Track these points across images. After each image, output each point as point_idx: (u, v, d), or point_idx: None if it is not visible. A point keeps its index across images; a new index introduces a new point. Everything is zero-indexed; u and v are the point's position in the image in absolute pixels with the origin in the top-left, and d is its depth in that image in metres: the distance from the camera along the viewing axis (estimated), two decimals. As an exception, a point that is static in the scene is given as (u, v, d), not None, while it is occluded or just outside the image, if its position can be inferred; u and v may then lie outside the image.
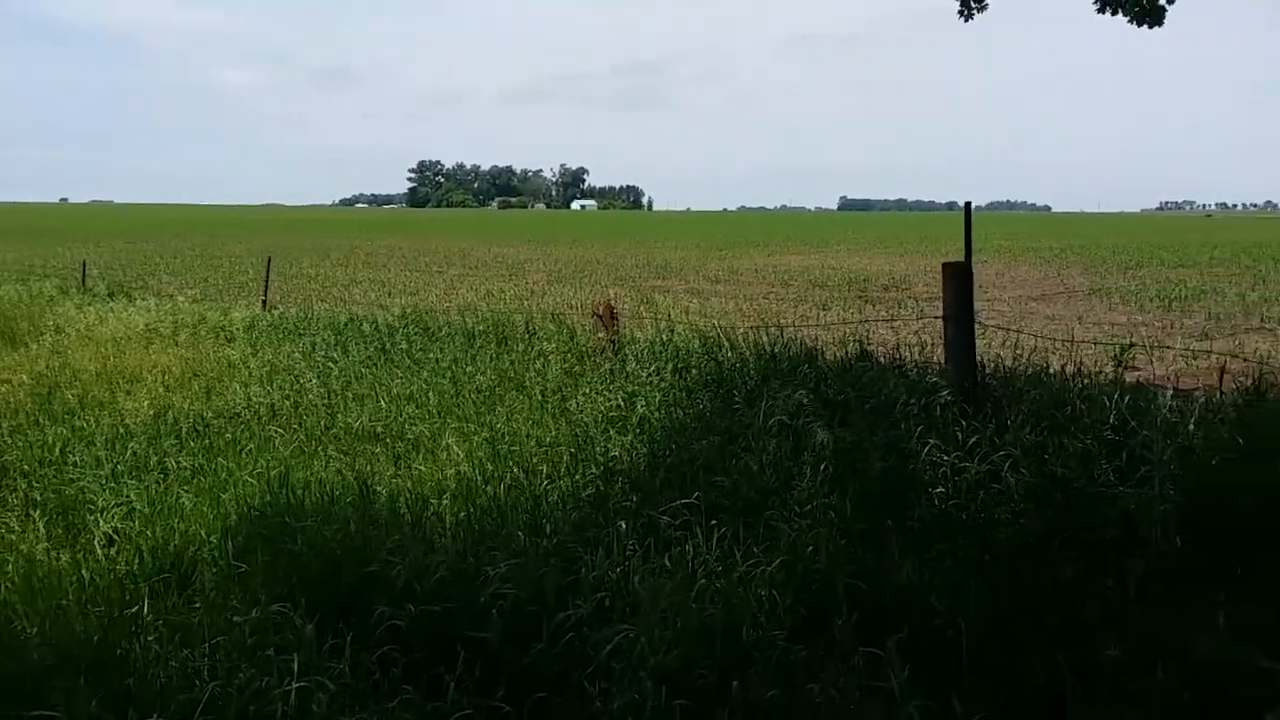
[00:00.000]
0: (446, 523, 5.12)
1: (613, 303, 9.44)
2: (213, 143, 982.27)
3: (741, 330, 9.05)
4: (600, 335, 9.01)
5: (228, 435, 7.23)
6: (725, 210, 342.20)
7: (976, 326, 6.64)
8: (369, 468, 6.30)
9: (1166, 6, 8.54)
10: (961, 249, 6.69)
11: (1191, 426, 5.73)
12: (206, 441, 7.11)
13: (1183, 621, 3.79)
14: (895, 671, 3.42)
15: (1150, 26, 8.65)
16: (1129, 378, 7.11)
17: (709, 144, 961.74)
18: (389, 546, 4.55)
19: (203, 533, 5.14)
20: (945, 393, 6.16)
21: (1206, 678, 3.43)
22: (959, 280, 6.20)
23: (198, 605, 4.31)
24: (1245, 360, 9.48)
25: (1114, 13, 8.67)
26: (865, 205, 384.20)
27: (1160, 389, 6.52)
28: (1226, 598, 3.96)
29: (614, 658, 3.56)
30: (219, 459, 6.56)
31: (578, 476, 5.77)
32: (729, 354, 8.19)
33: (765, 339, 8.40)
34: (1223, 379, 6.70)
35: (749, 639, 3.71)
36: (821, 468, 5.32)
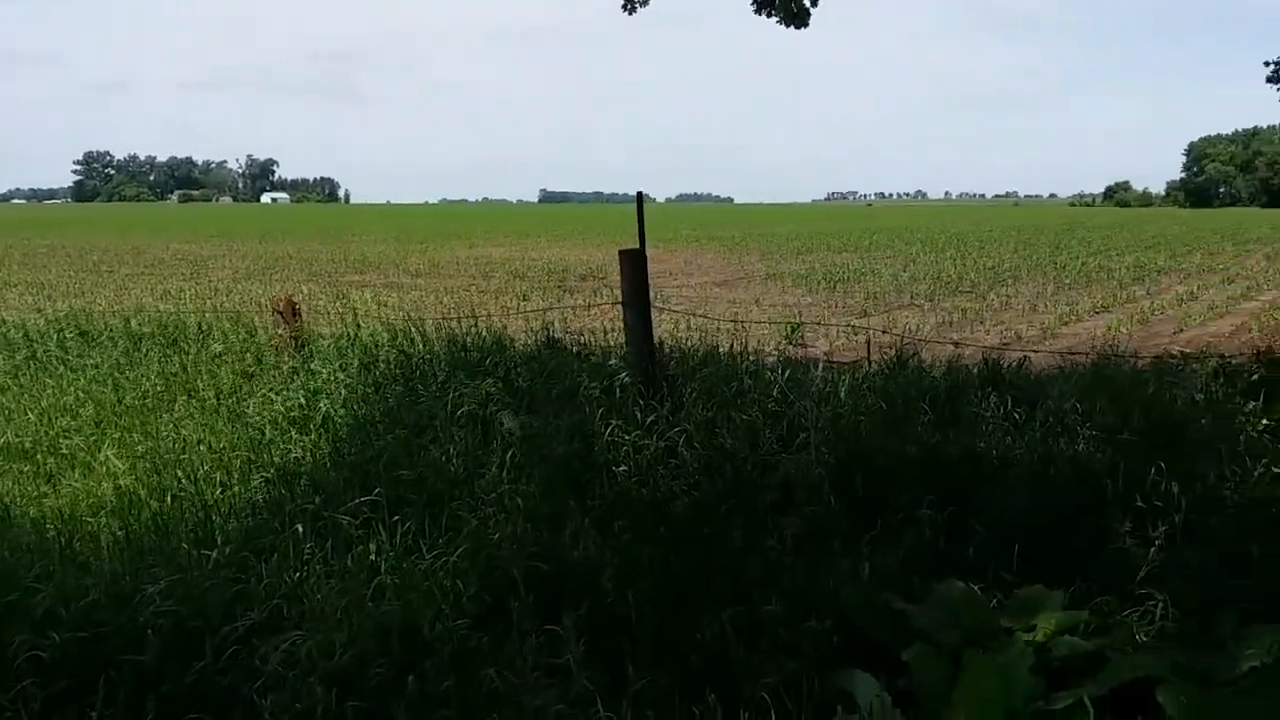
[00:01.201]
0: (103, 542, 4.72)
1: (294, 298, 9.03)
2: None
3: (434, 322, 8.95)
4: (281, 333, 8.59)
5: None
6: (426, 203, 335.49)
7: (660, 311, 6.95)
8: (14, 488, 5.70)
9: (811, 10, 9.42)
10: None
11: (843, 395, 6.30)
12: None
13: (833, 573, 4.15)
14: (572, 647, 3.51)
15: (798, 28, 9.50)
16: (796, 354, 7.70)
17: (408, 136, 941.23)
18: (34, 573, 4.12)
19: None
20: (625, 375, 6.40)
21: (853, 622, 3.78)
22: (634, 267, 6.43)
23: None
24: (894, 334, 10.54)
25: (768, 14, 9.41)
26: (564, 198, 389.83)
27: (814, 362, 7.11)
28: (869, 549, 4.40)
29: (287, 666, 3.41)
30: None
31: (254, 482, 5.49)
32: (419, 346, 8.07)
33: (458, 330, 8.35)
34: (870, 350, 7.41)
35: (432, 632, 3.68)
36: (509, 455, 5.37)
